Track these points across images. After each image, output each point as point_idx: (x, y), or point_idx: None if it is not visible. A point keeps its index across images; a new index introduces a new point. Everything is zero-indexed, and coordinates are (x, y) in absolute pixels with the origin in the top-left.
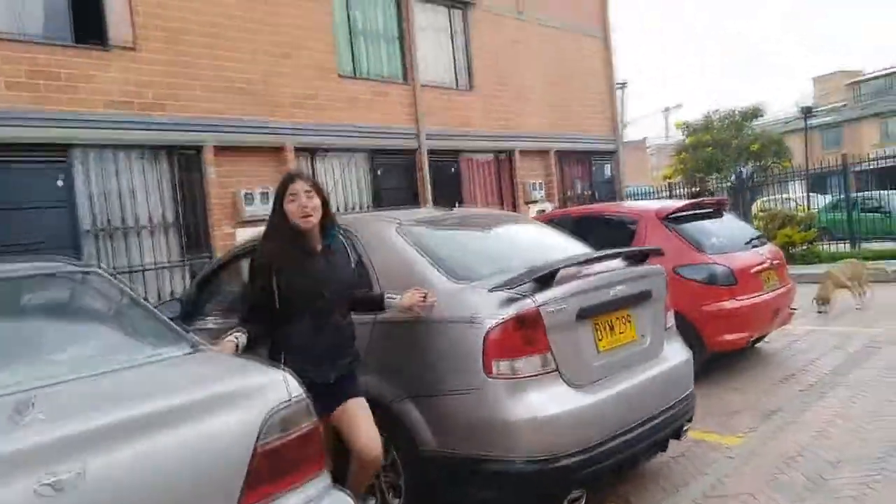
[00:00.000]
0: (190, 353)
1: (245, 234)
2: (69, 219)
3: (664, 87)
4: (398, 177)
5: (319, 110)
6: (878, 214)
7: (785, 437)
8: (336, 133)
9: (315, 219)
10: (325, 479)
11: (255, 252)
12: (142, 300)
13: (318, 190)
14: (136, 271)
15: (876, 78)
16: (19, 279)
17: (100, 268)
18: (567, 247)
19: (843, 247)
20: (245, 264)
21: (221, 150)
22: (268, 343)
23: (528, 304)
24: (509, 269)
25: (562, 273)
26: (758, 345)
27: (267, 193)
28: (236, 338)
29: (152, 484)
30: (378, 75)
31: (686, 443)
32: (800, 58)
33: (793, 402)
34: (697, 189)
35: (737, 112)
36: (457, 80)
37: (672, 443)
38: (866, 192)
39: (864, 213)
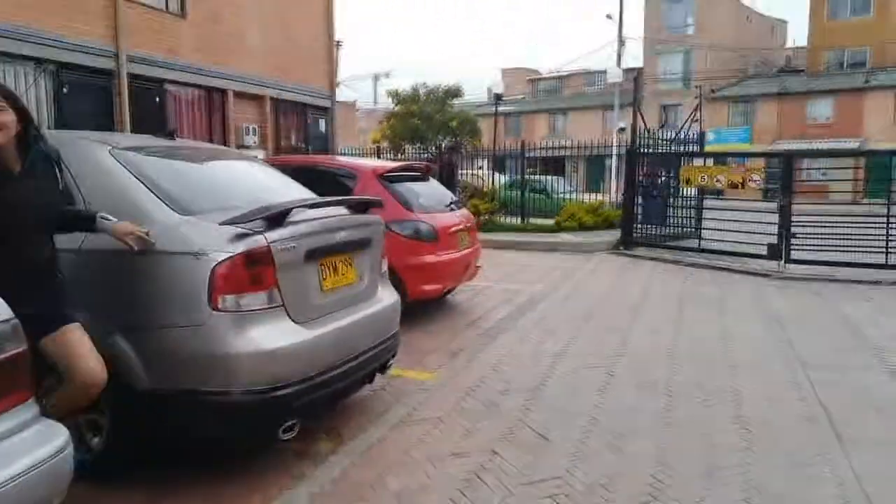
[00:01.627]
0: None
1: None
2: None
3: (375, 53)
4: (90, 100)
5: None
6: (542, 195)
7: (467, 373)
8: (7, 35)
9: (6, 136)
10: (32, 408)
11: None
12: None
13: (12, 100)
14: None
15: (550, 78)
16: None
17: None
18: (294, 190)
19: (516, 219)
20: None
21: None
22: None
23: (259, 241)
24: (237, 206)
25: (292, 214)
26: (448, 295)
27: None
28: None
29: None
30: None
31: (388, 377)
32: (490, 48)
33: (474, 343)
34: (448, 152)
35: (441, 89)
36: (167, 2)
37: (377, 377)
38: (535, 176)
39: (532, 193)
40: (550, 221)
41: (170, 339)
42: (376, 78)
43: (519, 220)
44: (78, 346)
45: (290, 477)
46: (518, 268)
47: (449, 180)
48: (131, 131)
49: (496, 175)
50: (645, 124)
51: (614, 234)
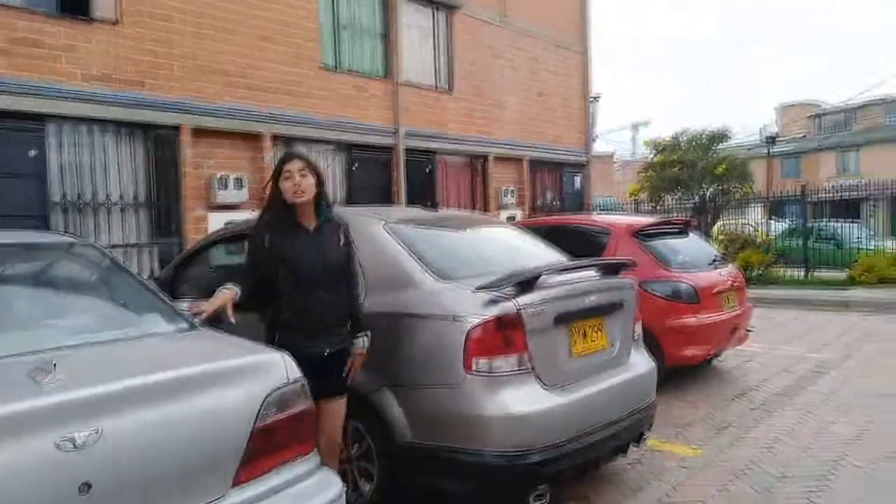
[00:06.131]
0: (188, 330)
1: (217, 219)
2: (38, 191)
3: (633, 103)
4: (374, 173)
5: (299, 100)
6: (831, 244)
7: (735, 451)
8: (314, 125)
9: (307, 196)
10: (314, 459)
11: (249, 230)
12: (140, 277)
13: (312, 169)
14: None
15: (837, 112)
16: (25, 248)
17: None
18: (546, 253)
19: (797, 272)
20: (225, 248)
21: (198, 132)
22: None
23: (509, 306)
24: (491, 272)
25: (543, 278)
26: (713, 362)
27: (241, 180)
28: (230, 288)
29: (159, 450)
30: (360, 70)
31: (643, 450)
32: (763, 84)
33: (744, 418)
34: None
35: (704, 134)
36: (437, 81)
37: (631, 448)
38: (821, 222)
39: (818, 242)
40: (840, 275)
41: (428, 397)
42: (635, 128)
43: (802, 273)
44: (335, 418)
45: None
46: (800, 330)
47: None
48: (406, 200)
49: (772, 223)
50: None
51: None
